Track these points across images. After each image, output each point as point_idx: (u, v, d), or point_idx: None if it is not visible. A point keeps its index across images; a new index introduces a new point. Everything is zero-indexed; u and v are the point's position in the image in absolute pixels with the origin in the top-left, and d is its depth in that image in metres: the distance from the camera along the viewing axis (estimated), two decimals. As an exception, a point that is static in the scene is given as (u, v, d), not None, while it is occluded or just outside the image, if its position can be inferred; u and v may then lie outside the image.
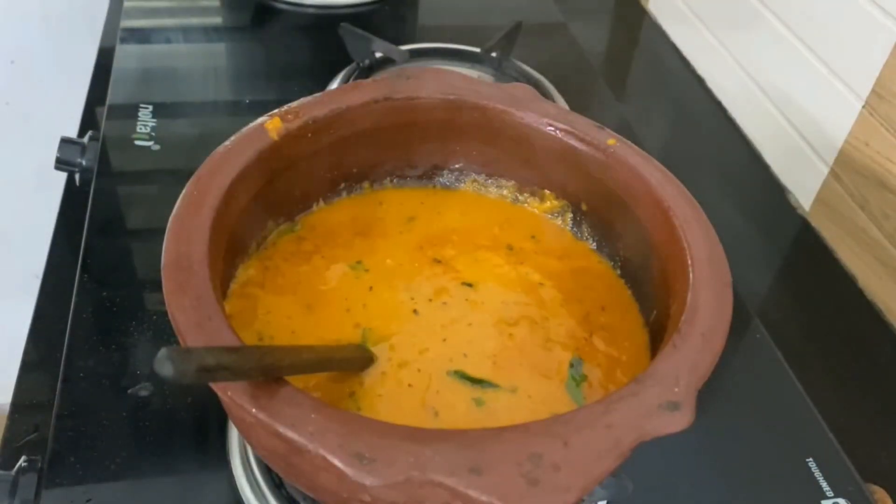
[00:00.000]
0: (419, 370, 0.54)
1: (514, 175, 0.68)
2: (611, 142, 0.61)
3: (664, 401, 0.43)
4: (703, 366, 0.45)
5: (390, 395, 0.53)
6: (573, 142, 0.63)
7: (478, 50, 1.04)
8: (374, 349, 0.55)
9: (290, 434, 0.40)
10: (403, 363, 0.55)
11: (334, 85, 0.98)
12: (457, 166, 0.69)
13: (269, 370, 0.42)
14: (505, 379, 0.54)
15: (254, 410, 0.41)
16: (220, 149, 0.57)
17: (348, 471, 0.39)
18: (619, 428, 0.41)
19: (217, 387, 0.43)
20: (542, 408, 0.53)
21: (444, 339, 0.57)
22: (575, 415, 0.42)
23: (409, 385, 0.53)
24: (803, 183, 0.93)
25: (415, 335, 0.57)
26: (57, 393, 0.64)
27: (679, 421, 0.42)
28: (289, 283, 0.59)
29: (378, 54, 1.01)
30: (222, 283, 0.55)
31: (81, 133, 0.94)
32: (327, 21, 1.13)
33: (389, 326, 0.57)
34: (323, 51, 1.08)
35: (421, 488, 0.39)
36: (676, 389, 0.43)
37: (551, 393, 0.54)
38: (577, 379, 0.55)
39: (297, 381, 0.51)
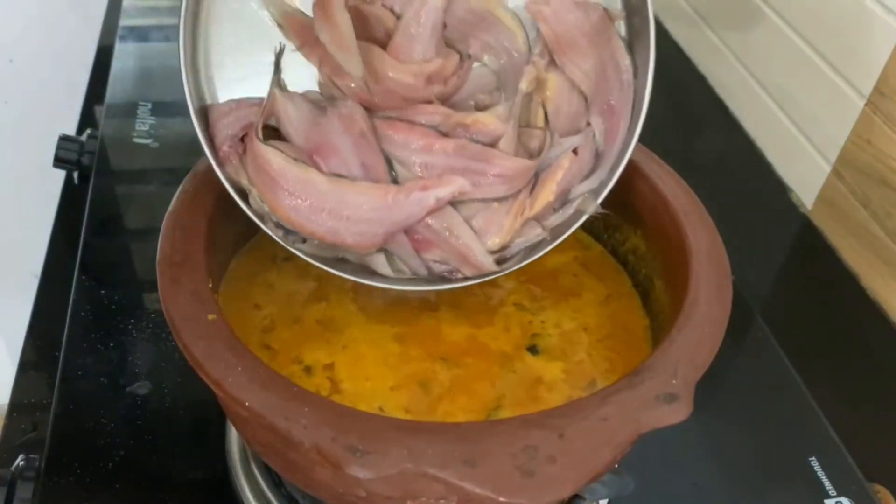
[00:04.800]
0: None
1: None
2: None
3: (661, 393, 0.42)
4: (701, 358, 0.45)
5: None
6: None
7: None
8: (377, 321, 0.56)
9: (284, 428, 0.40)
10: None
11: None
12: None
13: None
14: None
15: (247, 404, 0.41)
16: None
17: (342, 464, 0.38)
18: (616, 420, 0.41)
19: (211, 381, 0.43)
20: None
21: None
22: (570, 407, 0.42)
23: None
24: (805, 181, 0.93)
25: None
26: (55, 392, 0.64)
27: (676, 413, 0.41)
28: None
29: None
30: (218, 277, 0.55)
31: (80, 131, 0.94)
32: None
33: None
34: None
35: (415, 481, 0.38)
36: (674, 381, 0.43)
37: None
38: None
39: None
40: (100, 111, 0.96)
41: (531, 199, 0.54)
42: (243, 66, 0.53)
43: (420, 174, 0.52)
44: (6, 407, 0.69)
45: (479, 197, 0.52)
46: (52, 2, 1.36)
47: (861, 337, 0.81)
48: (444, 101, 0.54)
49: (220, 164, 0.52)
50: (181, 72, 0.51)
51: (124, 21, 1.08)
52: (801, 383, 0.70)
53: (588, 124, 0.55)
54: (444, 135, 0.53)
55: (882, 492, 0.64)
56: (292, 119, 0.52)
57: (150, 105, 0.92)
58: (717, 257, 0.52)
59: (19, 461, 0.60)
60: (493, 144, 0.53)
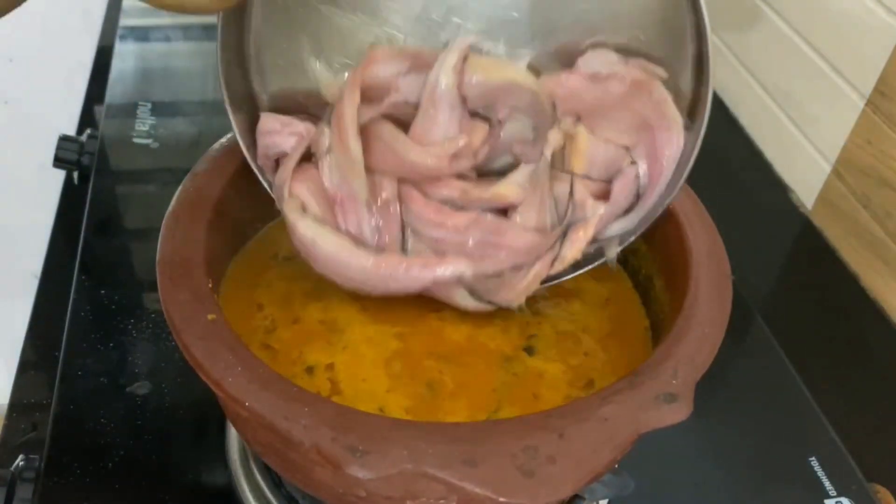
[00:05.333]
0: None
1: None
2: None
3: (661, 393, 0.42)
4: (701, 358, 0.45)
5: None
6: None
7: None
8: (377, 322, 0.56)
9: (284, 428, 0.40)
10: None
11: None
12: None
13: None
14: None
15: (247, 404, 0.41)
16: (217, 146, 0.57)
17: (342, 464, 0.38)
18: (616, 420, 0.41)
19: (211, 381, 0.43)
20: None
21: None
22: (571, 407, 0.42)
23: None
24: (805, 182, 0.93)
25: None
26: (55, 392, 0.64)
27: (676, 413, 0.41)
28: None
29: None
30: (217, 277, 0.55)
31: (80, 131, 0.94)
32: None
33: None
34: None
35: (415, 481, 0.38)
36: (674, 381, 0.43)
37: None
38: None
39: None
40: (100, 111, 0.96)
41: (558, 259, 0.53)
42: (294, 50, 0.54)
43: (429, 248, 0.53)
44: (6, 407, 0.69)
45: (489, 271, 0.52)
46: (52, 2, 1.36)
47: (861, 337, 0.81)
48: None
49: (260, 170, 0.55)
50: (217, 55, 0.51)
51: (124, 21, 1.08)
52: (801, 383, 0.70)
53: (633, 163, 0.53)
54: (461, 207, 0.52)
55: (882, 492, 0.64)
56: (332, 163, 0.52)
57: (150, 105, 0.92)
58: (717, 257, 0.52)
59: (19, 461, 0.60)
60: (511, 210, 0.52)
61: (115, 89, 0.95)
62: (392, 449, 0.39)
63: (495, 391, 0.52)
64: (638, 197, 0.54)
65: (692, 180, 0.58)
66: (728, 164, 1.01)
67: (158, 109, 0.92)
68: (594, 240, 0.54)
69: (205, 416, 0.63)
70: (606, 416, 0.41)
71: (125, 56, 1.02)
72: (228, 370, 0.43)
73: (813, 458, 0.65)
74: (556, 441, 0.39)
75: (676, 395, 0.42)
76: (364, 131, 0.50)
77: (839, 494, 0.62)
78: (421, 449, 0.38)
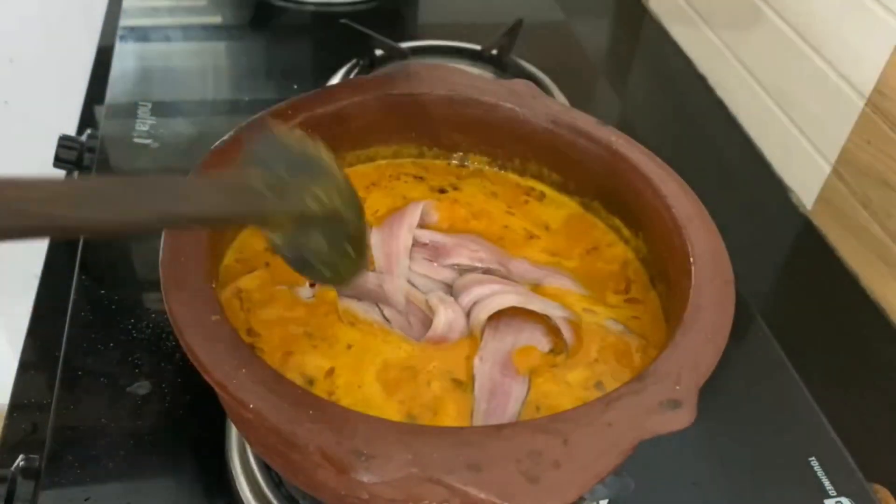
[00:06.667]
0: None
1: (517, 171, 0.67)
2: (612, 138, 0.61)
3: (665, 399, 0.42)
4: (704, 364, 0.45)
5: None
6: (575, 138, 0.62)
7: (479, 47, 1.04)
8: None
9: (288, 430, 0.40)
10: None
11: (334, 82, 0.98)
12: (457, 161, 0.68)
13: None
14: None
15: (251, 406, 0.41)
16: (219, 144, 0.57)
17: (347, 468, 0.38)
18: (620, 426, 0.41)
19: (215, 382, 0.43)
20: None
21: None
22: (575, 412, 0.42)
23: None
24: (805, 182, 0.93)
25: None
26: (55, 392, 0.63)
27: (680, 419, 0.41)
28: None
29: (378, 52, 1.01)
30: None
31: (80, 131, 0.94)
32: (327, 18, 1.12)
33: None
34: (323, 48, 1.08)
35: (419, 485, 0.38)
36: (678, 387, 0.43)
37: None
38: None
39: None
40: (100, 111, 0.96)
41: None
42: None
43: None
44: (6, 407, 0.69)
45: None
46: (52, 2, 1.36)
47: (861, 337, 0.81)
48: None
49: None
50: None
51: (124, 21, 1.08)
52: (801, 383, 0.70)
53: None
54: None
55: (882, 492, 0.64)
56: None
57: (150, 105, 0.92)
58: (719, 262, 0.52)
59: (19, 461, 0.60)
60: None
61: (115, 89, 0.95)
62: (397, 453, 0.39)
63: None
64: None
65: (692, 181, 0.58)
66: (727, 164, 1.01)
67: (158, 109, 0.92)
68: None
69: (205, 416, 0.63)
70: (610, 422, 0.41)
71: (125, 56, 1.02)
72: (233, 372, 0.42)
73: (813, 458, 0.65)
74: (560, 446, 0.39)
75: (680, 401, 0.42)
76: None
77: (839, 494, 0.62)
78: (426, 453, 0.38)
